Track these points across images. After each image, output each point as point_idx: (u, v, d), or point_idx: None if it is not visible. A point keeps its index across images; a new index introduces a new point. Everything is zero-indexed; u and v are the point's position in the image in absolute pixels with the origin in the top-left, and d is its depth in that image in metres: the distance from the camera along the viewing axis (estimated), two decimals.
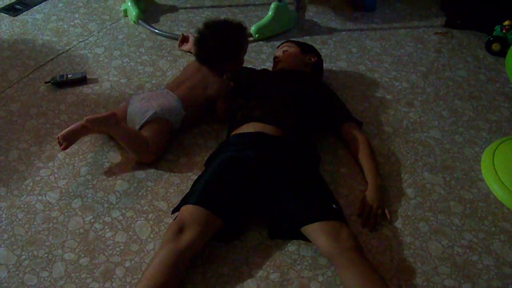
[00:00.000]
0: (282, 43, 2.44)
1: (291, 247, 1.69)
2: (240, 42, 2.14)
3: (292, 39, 2.51)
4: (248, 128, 1.86)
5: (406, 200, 1.88)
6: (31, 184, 1.88)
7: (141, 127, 1.94)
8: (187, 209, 1.60)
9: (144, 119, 1.94)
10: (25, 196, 1.84)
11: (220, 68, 2.14)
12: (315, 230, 1.58)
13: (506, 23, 2.65)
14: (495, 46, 2.70)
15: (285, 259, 1.66)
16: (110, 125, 1.83)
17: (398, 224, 1.79)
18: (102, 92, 2.33)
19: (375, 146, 2.08)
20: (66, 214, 1.78)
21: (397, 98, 2.38)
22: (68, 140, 1.87)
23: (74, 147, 2.02)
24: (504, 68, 2.45)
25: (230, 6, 3.08)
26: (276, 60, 2.33)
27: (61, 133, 1.87)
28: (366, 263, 1.53)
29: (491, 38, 2.70)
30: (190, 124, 2.12)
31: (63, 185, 1.89)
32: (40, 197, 1.84)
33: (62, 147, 1.86)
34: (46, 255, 1.64)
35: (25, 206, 1.80)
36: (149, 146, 1.89)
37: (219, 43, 2.07)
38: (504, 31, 2.66)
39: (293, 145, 1.83)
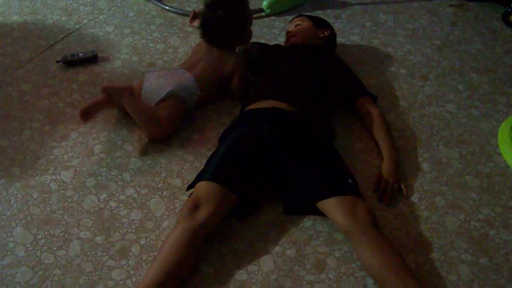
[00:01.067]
0: (294, 18, 2.41)
1: (307, 222, 1.68)
2: (243, 16, 2.11)
3: (305, 13, 2.48)
4: (262, 104, 1.84)
5: (422, 174, 1.86)
6: (45, 163, 1.88)
7: (157, 103, 1.93)
8: (202, 185, 1.60)
9: (161, 96, 1.92)
10: (39, 175, 1.84)
11: (230, 45, 2.13)
12: (331, 206, 1.57)
13: None
14: None
15: (301, 234, 1.65)
16: (124, 97, 1.83)
17: (414, 198, 1.77)
18: (113, 70, 2.31)
19: (390, 120, 2.06)
20: (80, 193, 1.78)
21: (411, 72, 2.34)
22: (88, 113, 1.89)
23: (88, 125, 2.01)
24: None
25: None
26: (289, 35, 2.29)
27: (81, 107, 1.89)
28: (383, 238, 1.52)
29: (509, 10, 2.65)
30: (205, 103, 2.11)
31: (77, 164, 1.89)
32: (54, 177, 1.84)
33: (83, 119, 1.90)
34: (62, 234, 1.65)
35: (40, 185, 1.80)
36: (161, 122, 1.88)
37: (223, 22, 2.05)
38: None
39: (307, 120, 1.82)
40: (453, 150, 1.96)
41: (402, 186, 1.79)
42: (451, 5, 2.85)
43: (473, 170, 1.89)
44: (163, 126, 1.91)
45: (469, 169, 1.90)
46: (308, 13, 2.46)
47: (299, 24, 2.29)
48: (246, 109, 1.90)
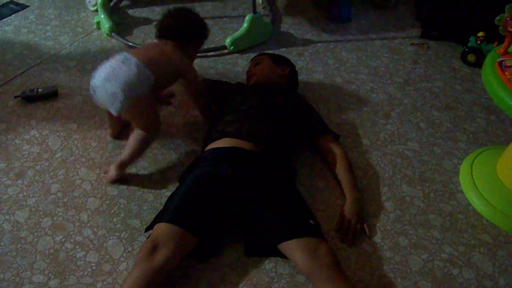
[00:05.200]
0: (254, 57, 2.41)
1: (269, 264, 1.65)
2: (200, 22, 2.11)
3: (266, 51, 2.49)
4: (223, 143, 1.82)
5: (385, 213, 1.86)
6: None
7: (123, 112, 1.84)
8: (161, 227, 1.56)
9: (118, 107, 1.81)
10: None
11: (183, 40, 2.04)
12: (292, 247, 1.55)
13: (480, 34, 2.65)
14: (470, 57, 2.70)
15: (262, 277, 1.62)
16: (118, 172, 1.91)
17: (377, 238, 1.76)
18: (74, 107, 2.27)
19: (352, 159, 2.06)
20: (35, 233, 1.72)
21: (374, 110, 2.36)
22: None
23: (44, 163, 1.96)
24: (480, 79, 2.45)
25: (205, 17, 3.00)
26: (249, 74, 2.29)
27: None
28: (345, 280, 1.50)
29: (466, 49, 2.71)
30: (164, 86, 2.09)
31: (32, 203, 1.83)
32: (8, 217, 1.78)
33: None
34: (13, 277, 1.58)
35: None
36: (150, 132, 1.90)
37: (180, 17, 2.05)
38: (478, 42, 2.67)
39: (269, 160, 1.80)
40: (415, 189, 1.97)
41: (365, 226, 1.78)
42: (412, 44, 2.90)
43: (435, 209, 1.89)
44: (153, 133, 1.92)
45: (432, 208, 1.90)
46: (269, 51, 2.48)
47: (259, 63, 2.29)
48: (207, 148, 1.87)
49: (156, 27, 2.05)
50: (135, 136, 1.89)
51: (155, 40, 2.05)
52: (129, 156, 1.89)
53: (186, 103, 2.31)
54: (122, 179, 1.91)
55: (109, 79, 1.81)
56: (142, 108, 1.86)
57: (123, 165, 1.90)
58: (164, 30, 2.02)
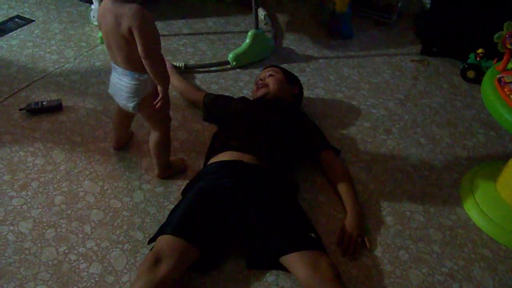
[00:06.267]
0: (267, 67, 2.43)
1: (270, 277, 1.66)
2: None
3: (277, 64, 2.51)
4: (225, 156, 1.84)
5: (385, 228, 1.87)
6: (3, 214, 1.83)
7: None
8: (164, 239, 1.57)
9: (135, 111, 1.81)
10: None
11: None
12: (293, 261, 1.56)
13: (480, 51, 2.68)
14: (470, 73, 2.73)
15: None
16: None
17: (378, 252, 1.77)
18: (78, 120, 2.29)
19: (353, 173, 2.08)
20: (39, 245, 1.73)
21: (375, 125, 2.38)
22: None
23: (48, 175, 1.98)
24: (479, 95, 2.47)
25: (208, 33, 3.08)
26: (260, 82, 2.30)
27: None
28: None
29: (466, 66, 2.74)
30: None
31: (36, 214, 1.84)
32: (12, 228, 1.78)
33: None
34: None
35: None
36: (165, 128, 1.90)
37: None
38: (478, 59, 2.70)
39: (270, 174, 1.82)
40: (416, 203, 1.98)
41: (366, 240, 1.79)
42: (413, 60, 2.93)
43: (436, 223, 1.91)
44: (167, 124, 1.91)
45: (432, 222, 1.91)
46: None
47: (272, 75, 2.30)
48: (209, 162, 1.89)
49: None
50: (151, 144, 1.92)
51: None
52: (159, 162, 1.97)
53: (188, 118, 2.33)
54: (126, 192, 1.93)
55: (115, 94, 1.83)
56: (152, 103, 1.77)
57: (161, 173, 2.00)
58: None
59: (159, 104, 1.73)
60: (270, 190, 1.76)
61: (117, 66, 1.74)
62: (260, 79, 2.32)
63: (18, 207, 1.87)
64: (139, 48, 1.60)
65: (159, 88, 1.70)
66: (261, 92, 2.25)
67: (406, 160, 2.19)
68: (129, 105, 1.78)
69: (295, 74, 2.46)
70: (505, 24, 1.80)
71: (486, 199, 1.95)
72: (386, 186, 2.05)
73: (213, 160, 1.87)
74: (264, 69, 2.42)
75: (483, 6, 2.68)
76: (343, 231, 1.80)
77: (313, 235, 1.66)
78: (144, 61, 1.63)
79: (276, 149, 1.91)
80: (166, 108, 1.83)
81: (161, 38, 1.67)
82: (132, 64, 1.68)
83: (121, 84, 1.75)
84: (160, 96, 1.72)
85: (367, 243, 1.78)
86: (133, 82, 1.72)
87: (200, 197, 1.71)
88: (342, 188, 1.94)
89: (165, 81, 1.71)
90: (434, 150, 2.26)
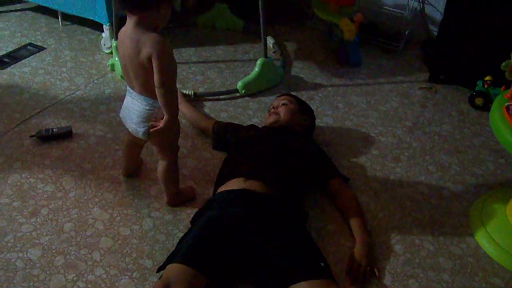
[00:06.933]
0: (282, 95, 2.44)
1: None
2: None
3: (292, 93, 2.52)
4: (235, 184, 1.85)
5: (394, 256, 1.86)
6: (12, 240, 1.84)
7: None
8: (173, 268, 1.57)
9: (144, 137, 1.82)
10: (5, 253, 1.79)
11: (144, 15, 1.63)
12: None
13: (488, 78, 2.69)
14: (478, 101, 2.74)
15: None
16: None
17: (387, 281, 1.76)
18: (88, 147, 2.31)
19: (362, 202, 2.08)
20: (47, 272, 1.73)
21: (383, 153, 2.39)
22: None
23: (58, 202, 1.99)
24: (488, 122, 2.47)
25: (217, 61, 3.11)
26: (272, 110, 2.30)
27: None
28: None
29: (474, 93, 2.75)
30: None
31: (45, 241, 1.84)
32: (21, 254, 1.79)
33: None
34: None
35: (5, 263, 1.75)
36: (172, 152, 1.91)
37: None
38: (486, 86, 2.71)
39: (280, 203, 1.82)
40: (425, 232, 1.97)
41: (375, 269, 1.78)
42: (420, 88, 2.95)
43: (445, 252, 1.90)
44: (174, 151, 1.93)
45: (442, 251, 1.90)
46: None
47: (285, 104, 2.30)
48: (219, 191, 1.89)
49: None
50: (159, 172, 1.94)
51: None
52: (168, 190, 1.98)
53: (198, 146, 2.35)
54: (134, 220, 1.93)
55: (126, 117, 1.84)
56: (163, 134, 1.79)
57: (170, 200, 2.01)
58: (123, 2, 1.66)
59: (157, 130, 1.75)
60: (279, 219, 1.76)
61: (132, 90, 1.77)
62: (273, 107, 2.33)
63: (28, 233, 1.87)
64: (156, 76, 1.63)
65: (164, 117, 1.72)
66: (271, 119, 2.26)
67: (415, 188, 2.18)
68: (139, 130, 1.79)
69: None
70: None
71: (496, 227, 1.94)
72: (395, 214, 2.04)
73: (223, 188, 1.88)
74: (278, 97, 2.43)
75: (490, 34, 2.69)
76: (352, 260, 1.79)
77: (322, 264, 1.65)
78: (157, 90, 1.66)
79: (285, 177, 1.91)
80: (175, 136, 1.86)
81: (169, 44, 1.67)
82: (147, 90, 1.72)
83: (133, 108, 1.78)
84: (162, 124, 1.73)
85: (376, 272, 1.77)
86: (147, 108, 1.75)
87: (209, 225, 1.71)
88: (351, 217, 1.94)
89: (173, 112, 1.73)
90: (443, 177, 2.26)
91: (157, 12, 1.64)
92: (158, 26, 1.69)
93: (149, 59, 1.62)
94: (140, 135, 1.81)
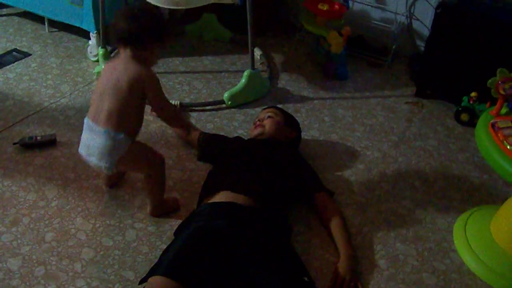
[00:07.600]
0: (268, 107, 2.44)
1: None
2: (156, 21, 1.80)
3: (278, 106, 2.53)
4: (220, 197, 1.84)
5: (378, 271, 1.86)
6: None
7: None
8: (155, 280, 1.55)
9: (108, 172, 1.85)
10: None
11: (143, 44, 1.77)
12: None
13: (473, 94, 2.71)
14: (464, 116, 2.76)
15: None
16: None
17: None
18: (72, 155, 2.28)
19: (347, 216, 2.07)
20: (27, 283, 1.71)
21: (369, 167, 2.39)
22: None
23: (40, 211, 1.96)
24: (473, 138, 2.49)
25: (204, 72, 3.10)
26: (258, 123, 2.30)
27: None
28: None
29: (460, 109, 2.76)
30: (139, 124, 1.88)
31: (26, 251, 1.82)
32: (0, 264, 1.76)
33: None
34: None
35: None
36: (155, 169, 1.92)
37: (131, 17, 1.74)
38: (471, 102, 2.73)
39: (264, 216, 1.81)
40: (409, 247, 1.97)
41: (359, 283, 1.77)
42: (407, 103, 2.96)
43: (429, 267, 1.90)
44: (158, 169, 1.93)
45: (426, 266, 1.90)
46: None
47: (271, 117, 2.30)
48: (203, 203, 1.88)
49: (111, 34, 1.84)
50: (145, 181, 1.95)
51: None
52: (152, 200, 1.98)
53: (183, 157, 2.33)
54: (118, 231, 1.91)
55: (88, 154, 1.83)
56: (131, 160, 1.85)
57: (154, 210, 2.00)
58: (117, 37, 1.77)
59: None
60: (263, 233, 1.75)
61: (96, 123, 1.78)
62: (259, 120, 2.32)
63: (8, 243, 1.84)
64: (155, 105, 1.87)
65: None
66: (256, 132, 2.26)
67: (399, 202, 2.19)
68: (102, 165, 1.80)
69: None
70: (498, 70, 1.83)
71: (480, 243, 1.94)
72: (379, 229, 2.04)
73: (207, 200, 1.87)
74: (264, 109, 2.43)
75: (476, 51, 2.71)
76: (336, 275, 1.78)
77: (306, 278, 1.65)
78: (161, 114, 1.93)
79: (269, 190, 1.90)
80: (147, 155, 1.90)
81: (157, 75, 1.84)
82: (115, 120, 1.76)
83: (93, 144, 1.79)
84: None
85: (360, 287, 1.76)
86: (108, 143, 1.76)
87: (192, 238, 1.69)
88: (336, 231, 1.93)
89: (182, 122, 2.19)
90: (428, 192, 2.26)
91: (151, 53, 1.82)
92: (151, 63, 1.86)
93: (142, 91, 1.78)
94: (103, 169, 1.82)
